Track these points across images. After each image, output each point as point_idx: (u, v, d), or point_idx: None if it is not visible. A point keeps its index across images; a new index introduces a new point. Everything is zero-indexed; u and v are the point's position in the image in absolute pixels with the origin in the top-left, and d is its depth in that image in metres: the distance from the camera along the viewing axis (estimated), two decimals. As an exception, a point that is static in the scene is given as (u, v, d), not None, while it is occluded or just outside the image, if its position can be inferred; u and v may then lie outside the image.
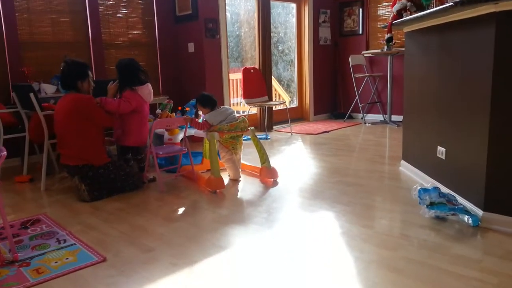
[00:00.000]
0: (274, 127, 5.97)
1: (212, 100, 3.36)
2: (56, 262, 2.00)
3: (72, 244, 2.19)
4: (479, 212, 2.27)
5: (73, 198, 3.00)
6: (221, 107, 3.41)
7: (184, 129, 3.42)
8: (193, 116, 3.54)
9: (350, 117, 6.70)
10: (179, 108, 3.94)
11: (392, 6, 3.53)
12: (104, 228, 2.43)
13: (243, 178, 3.41)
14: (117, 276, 1.86)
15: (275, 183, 3.22)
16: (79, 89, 2.99)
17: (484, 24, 2.19)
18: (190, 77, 5.30)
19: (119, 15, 4.80)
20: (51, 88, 4.02)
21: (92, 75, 3.20)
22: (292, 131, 5.64)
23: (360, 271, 1.82)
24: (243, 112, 6.16)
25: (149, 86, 3.29)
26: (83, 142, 2.93)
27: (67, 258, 2.03)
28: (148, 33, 5.10)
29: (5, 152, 1.98)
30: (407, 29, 3.26)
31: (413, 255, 1.95)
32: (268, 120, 5.77)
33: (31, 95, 3.17)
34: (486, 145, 2.20)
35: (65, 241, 2.24)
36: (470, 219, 2.24)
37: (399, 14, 3.32)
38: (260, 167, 3.35)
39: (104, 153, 3.05)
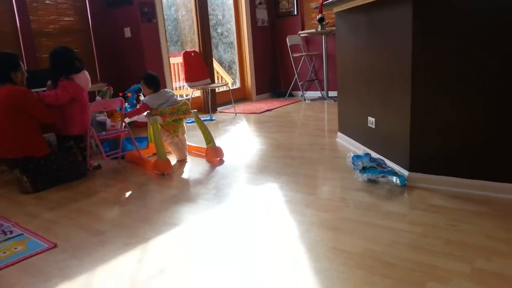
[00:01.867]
0: (218, 108, 6.04)
1: (157, 81, 3.41)
2: (4, 252, 1.98)
3: (19, 234, 2.17)
4: (405, 172, 2.52)
5: (15, 191, 2.92)
6: (161, 90, 3.44)
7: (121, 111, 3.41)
8: (134, 101, 3.53)
9: (291, 95, 6.91)
10: (120, 94, 3.89)
11: (323, -14, 3.69)
12: (51, 216, 2.42)
13: (189, 159, 3.48)
14: (69, 259, 1.89)
15: (221, 162, 3.33)
16: (13, 80, 2.91)
17: (403, 3, 2.39)
18: (129, 62, 5.20)
19: (47, 2, 4.58)
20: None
21: (24, 65, 3.10)
22: (236, 112, 5.75)
23: (303, 233, 1.99)
24: (186, 95, 6.16)
25: (85, 73, 3.26)
26: (21, 135, 2.85)
27: (15, 248, 2.02)
28: (80, 19, 4.91)
29: None
30: (336, 9, 3.44)
31: (349, 215, 2.16)
32: (212, 102, 5.82)
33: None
34: (409, 114, 2.43)
35: (11, 232, 2.21)
36: (398, 179, 2.48)
37: (329, -6, 3.48)
38: (206, 147, 3.43)
39: (44, 144, 2.98)
